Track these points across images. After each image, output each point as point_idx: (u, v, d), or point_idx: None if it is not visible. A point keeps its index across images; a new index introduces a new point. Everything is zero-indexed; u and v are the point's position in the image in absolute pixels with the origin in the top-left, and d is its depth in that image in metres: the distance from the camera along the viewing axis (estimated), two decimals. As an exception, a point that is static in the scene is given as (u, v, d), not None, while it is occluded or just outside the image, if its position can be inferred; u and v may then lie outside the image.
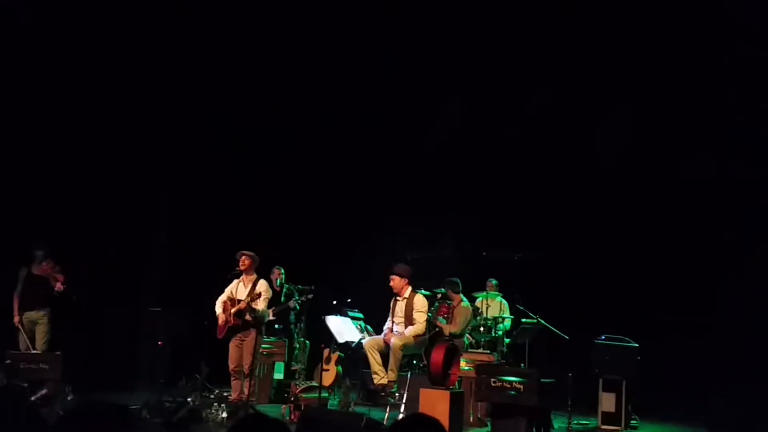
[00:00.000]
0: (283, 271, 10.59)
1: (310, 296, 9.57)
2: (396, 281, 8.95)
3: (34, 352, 8.99)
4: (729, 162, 10.41)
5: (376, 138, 12.07)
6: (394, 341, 8.63)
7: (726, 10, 9.84)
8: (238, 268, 8.96)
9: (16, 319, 9.20)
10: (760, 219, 10.00)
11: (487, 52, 11.31)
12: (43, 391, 7.96)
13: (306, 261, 10.84)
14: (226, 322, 8.83)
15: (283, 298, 10.30)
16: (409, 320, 8.83)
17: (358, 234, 11.71)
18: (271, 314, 10.08)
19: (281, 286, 10.47)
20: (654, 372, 9.16)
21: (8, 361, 8.32)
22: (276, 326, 10.39)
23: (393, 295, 9.10)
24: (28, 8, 9.87)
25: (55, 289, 9.12)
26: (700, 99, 10.54)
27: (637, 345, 9.03)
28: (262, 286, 8.91)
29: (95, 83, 10.65)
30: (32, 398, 7.44)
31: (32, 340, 9.19)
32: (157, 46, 11.02)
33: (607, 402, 8.95)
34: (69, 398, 8.33)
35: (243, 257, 8.94)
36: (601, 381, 9.00)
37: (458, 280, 9.91)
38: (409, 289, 8.98)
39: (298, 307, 10.04)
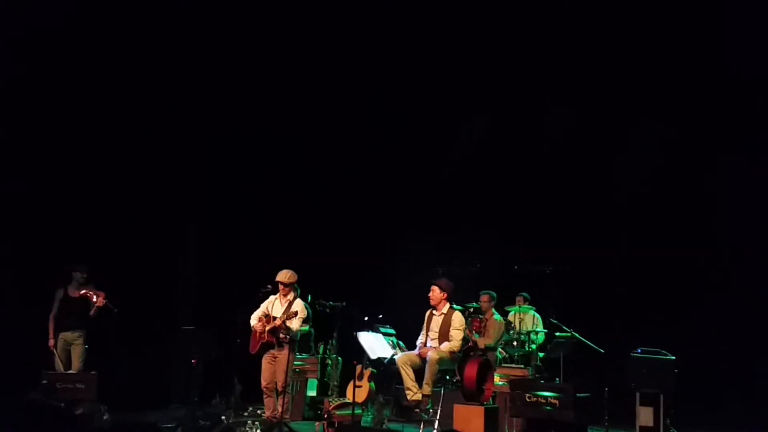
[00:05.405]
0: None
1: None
2: (435, 292, 8.87)
3: (70, 372, 9.06)
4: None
5: (405, 153, 12.09)
6: (431, 354, 8.54)
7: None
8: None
9: (51, 342, 9.23)
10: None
11: (513, 69, 11.29)
12: (79, 411, 8.03)
13: (337, 277, 10.84)
14: (261, 335, 8.80)
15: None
16: (444, 336, 8.75)
17: (389, 249, 11.69)
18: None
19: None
20: (693, 385, 9.01)
21: (45, 382, 8.41)
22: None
23: (426, 309, 9.05)
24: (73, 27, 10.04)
25: (97, 304, 9.12)
26: (722, 110, 10.45)
27: (674, 358, 8.89)
28: (299, 305, 8.82)
29: (122, 106, 10.81)
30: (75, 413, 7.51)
31: (67, 361, 9.26)
32: (184, 69, 11.19)
33: (645, 416, 8.81)
34: (105, 417, 8.37)
35: (282, 287, 8.78)
36: (638, 395, 8.87)
37: (494, 294, 9.94)
38: (448, 305, 8.92)
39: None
